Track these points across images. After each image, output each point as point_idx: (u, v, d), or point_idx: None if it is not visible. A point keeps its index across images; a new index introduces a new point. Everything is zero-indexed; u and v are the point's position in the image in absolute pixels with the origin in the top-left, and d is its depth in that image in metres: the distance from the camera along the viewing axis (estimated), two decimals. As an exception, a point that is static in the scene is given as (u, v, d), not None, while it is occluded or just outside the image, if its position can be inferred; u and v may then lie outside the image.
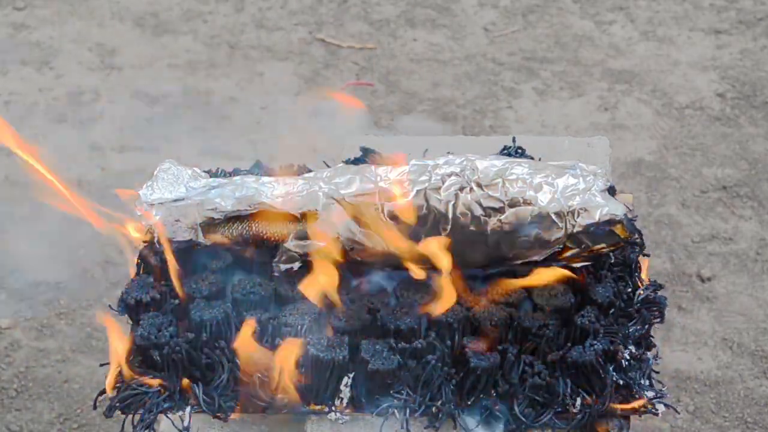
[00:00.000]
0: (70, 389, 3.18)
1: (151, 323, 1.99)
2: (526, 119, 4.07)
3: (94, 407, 2.01)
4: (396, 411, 1.91)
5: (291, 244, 2.03)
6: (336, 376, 1.92)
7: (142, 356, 1.98)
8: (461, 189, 2.02)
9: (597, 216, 2.01)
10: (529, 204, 2.01)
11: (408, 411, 1.91)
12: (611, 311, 2.01)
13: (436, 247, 1.97)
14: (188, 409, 1.94)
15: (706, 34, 4.50)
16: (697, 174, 3.85)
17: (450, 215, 2.00)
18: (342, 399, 1.93)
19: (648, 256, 2.17)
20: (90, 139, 3.99)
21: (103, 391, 1.97)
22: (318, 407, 1.93)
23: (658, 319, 2.05)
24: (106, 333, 2.01)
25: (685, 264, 3.52)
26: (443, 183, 2.02)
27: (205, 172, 2.21)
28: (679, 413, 3.05)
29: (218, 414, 1.93)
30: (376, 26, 4.55)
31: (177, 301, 2.04)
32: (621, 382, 1.93)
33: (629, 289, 2.07)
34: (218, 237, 2.09)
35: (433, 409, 1.91)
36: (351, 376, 1.93)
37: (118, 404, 1.95)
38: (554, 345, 1.96)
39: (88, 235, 3.59)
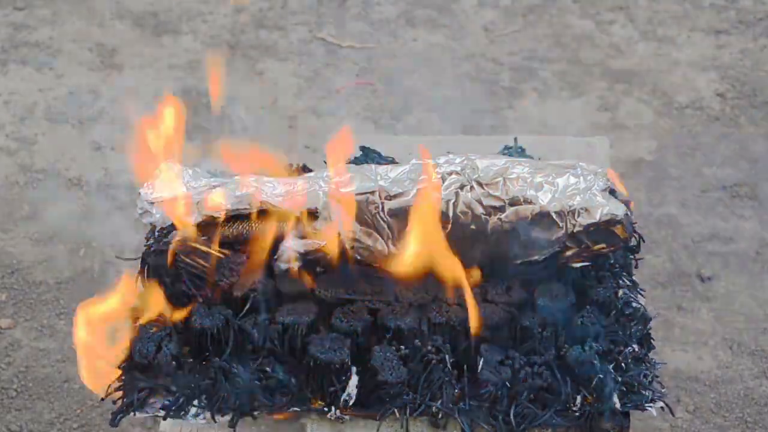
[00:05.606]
0: (70, 389, 3.17)
1: (150, 337, 1.97)
2: (526, 119, 4.07)
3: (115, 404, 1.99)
4: (396, 411, 1.91)
5: (291, 243, 2.03)
6: (337, 377, 1.92)
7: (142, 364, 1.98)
8: (462, 187, 2.01)
9: (597, 216, 2.01)
10: (530, 203, 2.01)
11: (408, 411, 1.91)
12: (612, 311, 2.01)
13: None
14: (191, 412, 1.94)
15: (706, 34, 4.50)
16: (697, 174, 3.84)
17: (450, 214, 2.00)
18: (343, 399, 1.93)
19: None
20: (90, 139, 3.99)
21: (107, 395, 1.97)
22: (318, 406, 1.93)
23: None
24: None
25: (685, 264, 3.51)
26: (443, 181, 2.02)
27: (205, 172, 2.21)
28: (674, 416, 3.04)
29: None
30: (376, 26, 4.55)
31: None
32: (621, 380, 1.93)
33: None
34: (218, 236, 2.08)
35: (433, 409, 1.91)
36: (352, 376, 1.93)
37: (125, 409, 1.94)
38: (553, 345, 1.96)
39: (88, 234, 3.60)
